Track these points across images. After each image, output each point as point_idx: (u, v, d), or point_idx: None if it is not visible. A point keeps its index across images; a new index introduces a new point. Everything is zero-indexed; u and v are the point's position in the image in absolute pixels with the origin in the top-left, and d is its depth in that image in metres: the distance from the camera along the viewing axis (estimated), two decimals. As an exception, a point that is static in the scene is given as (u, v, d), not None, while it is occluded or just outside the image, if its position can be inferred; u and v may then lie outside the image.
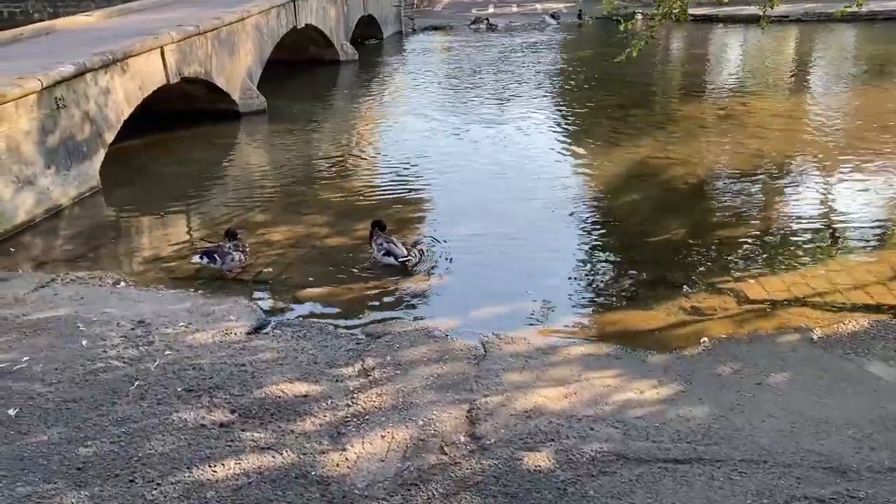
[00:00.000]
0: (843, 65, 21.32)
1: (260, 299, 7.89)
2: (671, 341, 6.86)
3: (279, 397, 5.81)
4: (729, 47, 25.94)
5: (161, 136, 14.47)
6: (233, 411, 5.61)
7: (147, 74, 12.80)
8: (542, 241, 9.54)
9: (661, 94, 18.21)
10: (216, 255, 8.27)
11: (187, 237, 9.95)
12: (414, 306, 7.83)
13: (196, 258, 8.44)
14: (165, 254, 9.26)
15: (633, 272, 8.50)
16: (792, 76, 19.82)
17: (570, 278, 8.40)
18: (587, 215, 10.34)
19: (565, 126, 15.47)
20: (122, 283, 8.18)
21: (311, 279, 8.42)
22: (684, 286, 7.98)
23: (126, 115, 12.22)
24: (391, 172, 12.47)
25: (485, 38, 29.27)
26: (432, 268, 8.66)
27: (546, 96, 18.22)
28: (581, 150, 13.44)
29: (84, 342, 6.64)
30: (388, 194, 11.46)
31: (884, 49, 22.98)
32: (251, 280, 8.41)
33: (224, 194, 11.69)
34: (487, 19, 33.01)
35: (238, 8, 16.73)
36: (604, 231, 9.89)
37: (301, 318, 7.43)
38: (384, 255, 8.46)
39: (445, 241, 9.32)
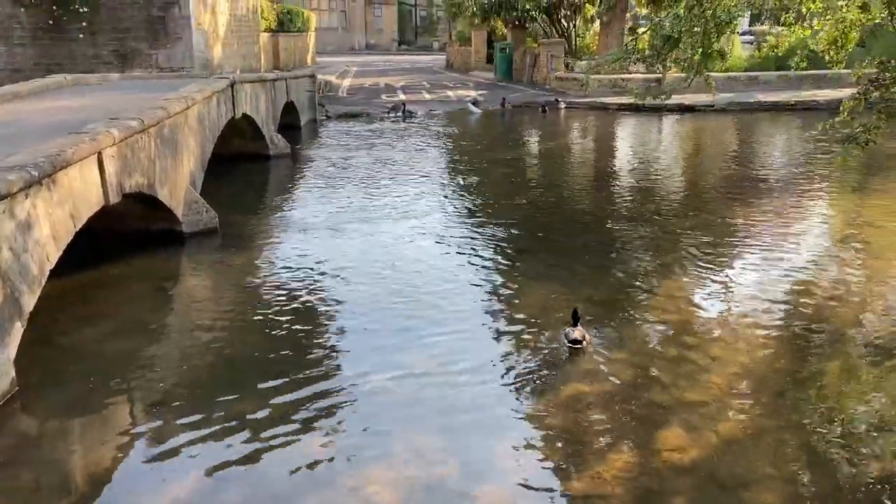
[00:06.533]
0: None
1: None
2: None
3: None
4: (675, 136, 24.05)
5: (85, 275, 9.84)
6: None
7: (81, 194, 8.33)
8: None
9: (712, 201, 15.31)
10: None
11: None
12: None
13: None
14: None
15: None
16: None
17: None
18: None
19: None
20: None
21: None
22: None
23: (53, 261, 7.66)
24: (424, 330, 8.42)
25: (411, 128, 26.10)
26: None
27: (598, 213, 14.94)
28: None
29: None
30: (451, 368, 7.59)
31: None
32: None
33: (216, 393, 7.12)
34: (404, 105, 30.13)
35: (174, 93, 12.51)
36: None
37: None
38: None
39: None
